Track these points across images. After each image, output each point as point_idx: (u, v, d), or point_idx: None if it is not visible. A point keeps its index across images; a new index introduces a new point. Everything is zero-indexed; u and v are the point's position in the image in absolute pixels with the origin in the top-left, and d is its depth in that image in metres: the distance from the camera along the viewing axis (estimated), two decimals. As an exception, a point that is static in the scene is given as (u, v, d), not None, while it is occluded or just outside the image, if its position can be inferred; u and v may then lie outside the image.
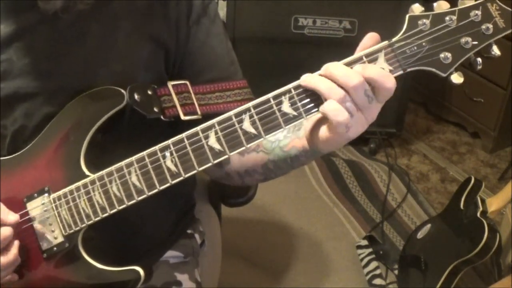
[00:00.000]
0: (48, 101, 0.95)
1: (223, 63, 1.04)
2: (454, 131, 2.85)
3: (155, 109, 0.93)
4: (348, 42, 2.41)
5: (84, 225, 0.92)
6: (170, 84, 0.96)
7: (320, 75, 0.77)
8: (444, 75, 0.76)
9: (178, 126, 0.94)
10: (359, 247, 2.16)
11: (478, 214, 1.79)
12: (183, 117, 0.95)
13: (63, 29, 0.92)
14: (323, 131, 0.80)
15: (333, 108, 0.74)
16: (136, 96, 0.91)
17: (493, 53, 0.75)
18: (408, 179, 2.53)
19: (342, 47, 2.37)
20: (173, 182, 0.86)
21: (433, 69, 0.76)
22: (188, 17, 0.99)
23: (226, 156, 0.82)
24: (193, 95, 0.96)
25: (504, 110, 2.54)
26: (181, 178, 0.85)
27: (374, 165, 2.58)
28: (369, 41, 0.78)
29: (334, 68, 0.76)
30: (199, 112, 0.96)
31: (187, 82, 0.97)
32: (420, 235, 2.01)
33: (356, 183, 2.51)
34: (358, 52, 0.78)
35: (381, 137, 2.64)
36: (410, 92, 2.68)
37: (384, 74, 0.74)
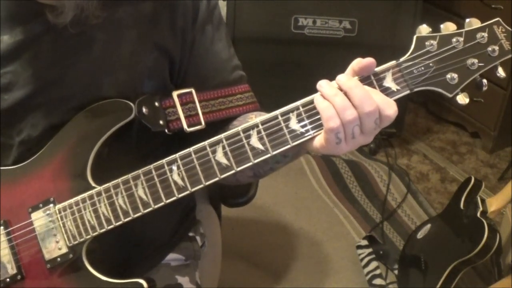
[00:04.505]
0: (54, 111, 0.95)
1: (227, 69, 1.04)
2: (454, 131, 2.84)
3: (161, 122, 0.93)
4: (348, 42, 2.40)
5: (89, 236, 0.92)
6: (175, 94, 0.95)
7: (338, 87, 0.77)
8: (450, 95, 0.77)
9: (184, 135, 0.95)
10: (359, 247, 2.17)
11: (478, 214, 1.79)
12: (187, 130, 0.95)
13: (68, 39, 0.92)
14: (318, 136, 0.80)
15: (327, 110, 0.75)
16: (144, 110, 0.92)
17: (498, 74, 0.76)
18: (408, 179, 2.53)
19: (342, 47, 2.37)
20: (180, 196, 0.86)
21: (440, 89, 0.77)
22: (194, 23, 0.98)
23: (233, 171, 0.83)
24: (197, 104, 0.96)
25: (504, 110, 2.53)
26: (187, 192, 0.86)
27: (374, 165, 2.58)
28: (357, 65, 0.78)
29: (354, 86, 0.76)
30: (203, 123, 0.96)
31: (192, 90, 0.96)
32: (420, 235, 2.01)
33: (356, 183, 2.51)
34: (348, 71, 0.78)
35: (381, 137, 2.64)
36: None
37: (386, 102, 0.75)
